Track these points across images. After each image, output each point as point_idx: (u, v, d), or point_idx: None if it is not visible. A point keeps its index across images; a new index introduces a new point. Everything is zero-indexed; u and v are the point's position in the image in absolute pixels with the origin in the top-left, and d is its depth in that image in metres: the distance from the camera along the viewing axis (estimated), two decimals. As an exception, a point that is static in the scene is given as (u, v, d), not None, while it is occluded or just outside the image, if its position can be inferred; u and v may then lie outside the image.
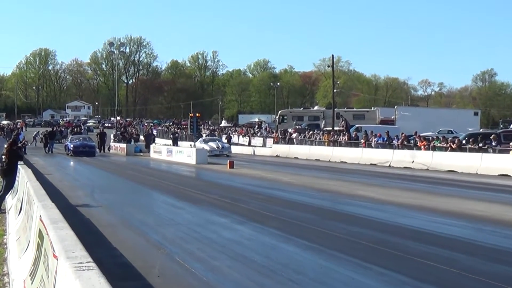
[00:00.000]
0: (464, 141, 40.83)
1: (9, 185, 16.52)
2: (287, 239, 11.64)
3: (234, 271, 8.97)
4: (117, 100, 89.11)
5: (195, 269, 8.95)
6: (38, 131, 62.26)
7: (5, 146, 18.23)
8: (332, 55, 74.26)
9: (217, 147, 48.69)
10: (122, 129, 73.57)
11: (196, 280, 8.39)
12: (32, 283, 6.40)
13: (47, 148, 50.83)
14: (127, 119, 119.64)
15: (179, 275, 8.76)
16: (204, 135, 60.46)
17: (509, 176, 27.90)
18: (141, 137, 65.64)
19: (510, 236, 12.30)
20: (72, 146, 46.45)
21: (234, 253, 10.30)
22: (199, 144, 48.77)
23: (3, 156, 17.25)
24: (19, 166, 17.23)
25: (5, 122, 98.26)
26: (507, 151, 34.76)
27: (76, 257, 4.40)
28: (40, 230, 6.79)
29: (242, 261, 9.68)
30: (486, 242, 11.42)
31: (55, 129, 67.72)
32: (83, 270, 3.97)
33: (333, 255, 10.15)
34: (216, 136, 62.46)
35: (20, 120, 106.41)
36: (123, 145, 54.27)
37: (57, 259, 4.74)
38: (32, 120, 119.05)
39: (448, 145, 39.95)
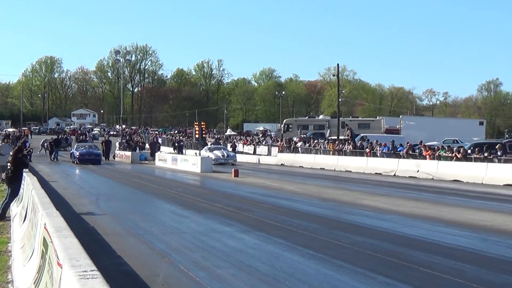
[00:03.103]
0: (469, 151, 40.79)
1: (14, 192, 16.52)
2: (292, 248, 11.56)
3: (239, 280, 8.89)
4: (123, 108, 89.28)
5: (199, 278, 8.89)
6: (46, 139, 62.04)
7: (11, 153, 18.25)
8: (338, 64, 74.04)
9: (222, 155, 48.56)
10: (127, 137, 73.72)
11: (201, 289, 8.35)
12: (36, 291, 6.38)
13: (52, 156, 51.07)
14: (132, 127, 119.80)
15: (183, 283, 8.69)
16: (209, 143, 60.38)
17: (515, 186, 27.84)
18: (147, 145, 65.76)
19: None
20: (77, 154, 46.48)
21: (238, 262, 10.24)
22: (205, 152, 49.19)
23: (9, 164, 17.26)
24: (24, 174, 17.22)
25: (10, 129, 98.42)
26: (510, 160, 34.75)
27: (80, 266, 4.38)
28: (44, 238, 6.77)
29: (247, 270, 9.62)
30: (491, 252, 11.36)
31: (60, 137, 67.97)
32: (87, 278, 3.95)
33: (338, 265, 10.07)
34: (221, 144, 62.21)
35: (26, 128, 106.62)
36: (128, 153, 54.45)
37: (61, 267, 4.72)
38: (37, 127, 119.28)
39: (453, 154, 39.89)
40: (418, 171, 36.06)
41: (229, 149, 58.93)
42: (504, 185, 28.38)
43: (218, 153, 49.10)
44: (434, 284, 8.73)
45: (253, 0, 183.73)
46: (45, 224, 7.05)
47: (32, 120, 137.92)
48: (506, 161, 34.88)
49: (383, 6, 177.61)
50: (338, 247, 11.66)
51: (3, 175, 20.87)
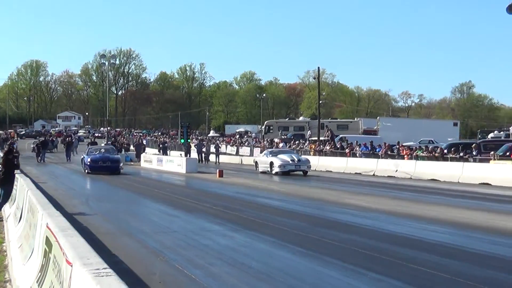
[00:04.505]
0: (445, 151, 41.12)
1: (7, 194, 16.39)
2: (282, 246, 11.61)
3: (233, 277, 8.92)
4: (107, 110, 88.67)
5: (195, 276, 8.88)
6: (35, 141, 60.96)
7: (1, 155, 18.11)
8: (318, 68, 74.43)
9: (291, 160, 34.93)
10: (112, 138, 73.30)
11: (197, 286, 8.32)
12: (40, 289, 6.34)
13: (39, 158, 50.18)
14: (117, 129, 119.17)
15: (179, 281, 8.68)
16: (192, 144, 59.10)
17: (490, 184, 28.01)
18: (131, 147, 65.29)
19: (498, 242, 12.28)
20: (89, 160, 35.12)
21: (231, 260, 10.24)
22: (264, 158, 38.04)
23: (0, 166, 17.12)
24: (16, 175, 17.09)
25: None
26: (487, 160, 34.98)
27: (91, 264, 4.36)
28: (47, 238, 6.72)
29: (240, 267, 9.63)
30: (475, 248, 11.41)
31: (46, 138, 67.35)
32: (102, 276, 3.92)
33: (328, 261, 10.12)
34: (204, 145, 59.90)
35: (12, 130, 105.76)
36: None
37: (71, 266, 4.69)
38: (23, 130, 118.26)
39: (430, 154, 40.20)
40: (396, 170, 36.20)
41: (213, 149, 57.76)
42: (479, 183, 28.57)
43: (285, 157, 35.37)
44: (421, 279, 8.78)
45: (234, 5, 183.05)
46: (47, 224, 7.00)
47: (18, 122, 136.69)
48: (481, 161, 35.20)
49: (360, 10, 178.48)
50: (326, 245, 11.71)
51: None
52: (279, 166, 33.96)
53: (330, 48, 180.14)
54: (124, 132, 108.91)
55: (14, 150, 18.69)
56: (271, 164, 35.01)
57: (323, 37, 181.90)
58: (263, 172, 36.17)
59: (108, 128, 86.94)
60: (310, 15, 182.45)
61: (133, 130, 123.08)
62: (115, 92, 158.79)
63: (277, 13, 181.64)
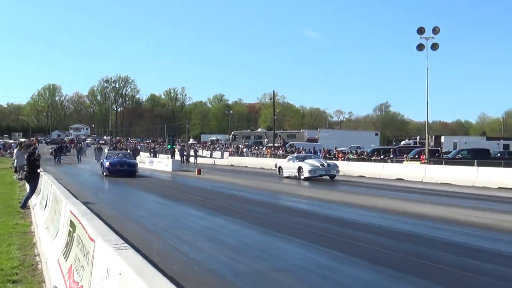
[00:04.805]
0: (370, 154, 41.78)
1: (33, 188, 16.10)
2: (249, 227, 11.57)
3: (213, 249, 8.88)
4: (109, 123, 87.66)
5: (184, 249, 8.83)
6: (53, 147, 59.66)
7: (25, 157, 17.87)
8: (273, 91, 75.03)
9: (321, 165, 28.06)
10: (114, 145, 72.52)
11: (186, 257, 8.26)
12: (66, 260, 6.23)
13: (56, 160, 49.35)
14: (117, 138, 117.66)
15: (172, 254, 8.56)
16: (176, 149, 58.54)
17: (403, 179, 28.41)
18: (129, 151, 64.61)
19: (409, 222, 12.39)
20: (107, 164, 30.32)
21: (211, 237, 10.20)
22: (290, 163, 30.31)
23: (25, 166, 16.91)
24: (42, 173, 16.78)
25: (22, 139, 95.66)
26: (401, 161, 35.68)
27: (111, 240, 4.32)
28: (71, 221, 6.62)
29: (219, 243, 9.58)
30: (397, 228, 11.51)
31: (61, 145, 66.21)
32: (121, 249, 3.88)
33: (285, 238, 10.07)
34: (186, 149, 59.43)
35: (34, 138, 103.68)
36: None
37: (94, 242, 4.63)
38: (43, 138, 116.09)
39: (358, 157, 40.72)
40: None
41: (192, 153, 57.49)
42: (395, 179, 28.94)
43: (314, 162, 28.47)
44: (357, 250, 8.78)
45: (210, 41, 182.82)
46: (71, 210, 6.89)
47: (38, 132, 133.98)
48: (396, 161, 35.88)
49: (303, 48, 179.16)
50: (283, 225, 11.68)
51: (23, 174, 20.26)
52: (309, 171, 27.36)
53: (282, 75, 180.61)
54: (122, 140, 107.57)
55: (36, 154, 18.36)
56: (299, 169, 28.17)
57: (276, 67, 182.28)
58: (288, 177, 29.42)
59: (110, 136, 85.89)
60: (268, 51, 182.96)
61: (129, 138, 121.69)
62: (115, 109, 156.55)
63: (243, 49, 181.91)
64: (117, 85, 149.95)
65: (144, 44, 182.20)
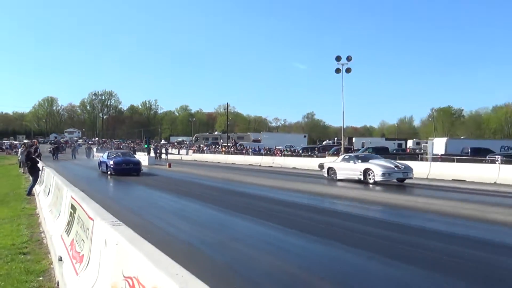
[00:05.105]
0: (301, 151, 42.33)
1: (36, 178, 15.54)
2: (207, 206, 11.50)
3: (187, 227, 8.75)
4: (97, 127, 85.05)
5: (160, 225, 8.74)
6: (51, 146, 57.55)
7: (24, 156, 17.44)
8: (227, 103, 75.24)
9: (396, 166, 18.39)
10: (101, 144, 70.66)
11: (162, 231, 8.14)
12: (68, 236, 6.08)
13: (54, 156, 47.75)
14: (103, 139, 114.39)
15: (148, 228, 8.33)
16: (151, 148, 57.21)
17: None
18: (129, 150, 63.17)
19: (336, 204, 12.66)
20: (111, 163, 23.69)
21: (181, 216, 10.12)
22: (349, 164, 19.79)
23: (28, 162, 16.43)
24: (44, 167, 16.20)
25: (26, 140, 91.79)
26: (323, 156, 36.23)
27: (107, 219, 4.25)
28: (72, 204, 6.45)
29: (187, 220, 9.53)
30: (324, 207, 11.77)
31: (58, 145, 63.94)
32: (116, 225, 3.85)
33: (234, 214, 10.08)
34: (158, 148, 57.94)
35: (35, 140, 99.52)
36: (100, 154, 51.78)
37: (93, 220, 4.56)
38: (43, 139, 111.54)
39: (292, 153, 41.17)
40: (273, 163, 36.76)
41: (163, 151, 56.59)
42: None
43: (385, 163, 18.81)
44: (299, 225, 8.69)
45: (175, 60, 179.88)
46: (71, 195, 6.72)
47: (38, 135, 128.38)
48: (320, 156, 36.44)
49: (249, 66, 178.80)
50: (231, 205, 11.65)
51: (26, 168, 19.51)
52: (383, 175, 17.81)
53: (233, 90, 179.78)
54: (107, 141, 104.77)
55: (36, 153, 17.91)
56: (367, 171, 18.47)
57: (230, 82, 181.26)
58: (341, 180, 19.90)
59: (98, 138, 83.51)
60: (223, 71, 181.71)
61: (113, 140, 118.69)
62: (102, 116, 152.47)
63: (200, 68, 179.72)
64: (103, 98, 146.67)
65: (127, 63, 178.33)
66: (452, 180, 20.09)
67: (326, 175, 21.35)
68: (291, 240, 7.41)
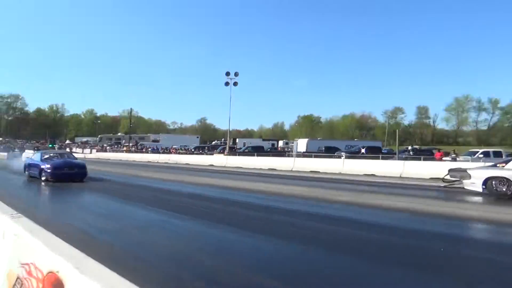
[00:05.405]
0: (193, 150, 42.07)
1: None
2: (113, 199, 10.75)
3: (85, 216, 8.13)
4: (0, 128, 74.42)
5: (61, 213, 8.02)
6: None
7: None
8: (131, 108, 71.68)
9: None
10: (6, 143, 62.26)
11: (63, 220, 7.49)
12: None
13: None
14: (6, 139, 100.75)
15: (50, 216, 7.49)
16: (56, 147, 51.93)
17: (213, 165, 29.10)
18: (16, 149, 56.00)
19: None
20: (49, 166, 14.95)
21: (84, 208, 9.35)
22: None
23: None
24: None
25: None
26: (212, 154, 36.42)
27: (8, 212, 3.81)
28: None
29: (89, 212, 8.85)
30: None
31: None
32: (16, 218, 3.47)
33: (137, 205, 9.73)
34: (63, 147, 52.87)
35: None
36: (5, 153, 45.67)
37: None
38: None
39: (186, 152, 40.76)
40: (169, 159, 36.07)
41: (68, 150, 51.56)
42: (208, 164, 29.51)
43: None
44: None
45: (83, 67, 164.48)
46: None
47: None
48: (209, 154, 36.52)
49: (152, 74, 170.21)
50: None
51: None
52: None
53: (137, 96, 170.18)
54: (11, 140, 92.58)
55: None
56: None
57: (133, 90, 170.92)
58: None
59: (1, 138, 73.31)
60: (127, 78, 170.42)
61: (17, 139, 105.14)
62: (6, 118, 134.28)
63: (104, 75, 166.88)
64: (9, 100, 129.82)
65: (34, 68, 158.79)
66: (310, 171, 21.75)
67: (479, 189, 10.42)
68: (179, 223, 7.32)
